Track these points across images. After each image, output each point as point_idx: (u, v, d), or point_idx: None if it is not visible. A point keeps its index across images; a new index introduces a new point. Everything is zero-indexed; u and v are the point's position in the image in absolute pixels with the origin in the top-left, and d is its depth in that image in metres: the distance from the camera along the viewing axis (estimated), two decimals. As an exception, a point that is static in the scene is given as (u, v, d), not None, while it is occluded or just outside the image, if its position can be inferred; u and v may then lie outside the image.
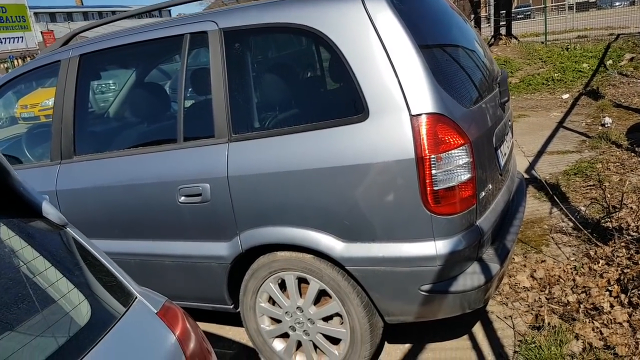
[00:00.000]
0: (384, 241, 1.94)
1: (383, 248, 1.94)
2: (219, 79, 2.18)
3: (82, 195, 2.62)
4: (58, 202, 2.68)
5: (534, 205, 3.89)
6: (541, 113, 7.19)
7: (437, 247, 1.87)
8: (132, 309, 1.09)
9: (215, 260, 2.31)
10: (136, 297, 1.14)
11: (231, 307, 2.46)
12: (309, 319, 2.25)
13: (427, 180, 1.81)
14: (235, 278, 2.36)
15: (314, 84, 2.83)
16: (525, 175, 4.46)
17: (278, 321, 2.36)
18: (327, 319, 2.24)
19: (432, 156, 1.81)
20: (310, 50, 2.66)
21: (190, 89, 2.49)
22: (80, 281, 1.06)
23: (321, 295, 2.22)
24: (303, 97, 2.33)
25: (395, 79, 1.85)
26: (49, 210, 1.15)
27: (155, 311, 1.13)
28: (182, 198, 2.27)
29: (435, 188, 1.82)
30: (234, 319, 2.66)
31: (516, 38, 13.41)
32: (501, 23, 13.43)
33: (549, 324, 2.40)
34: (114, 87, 8.43)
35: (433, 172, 1.81)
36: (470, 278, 1.98)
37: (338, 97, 2.30)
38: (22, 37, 31.12)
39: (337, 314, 2.19)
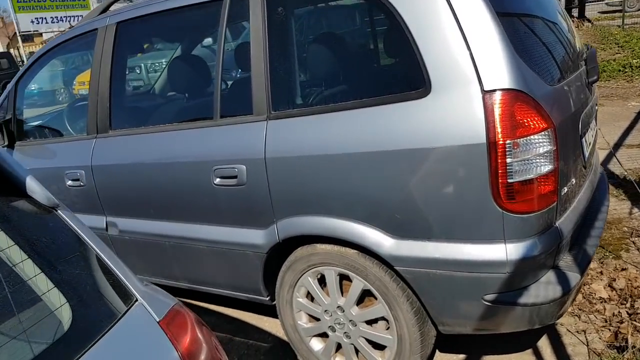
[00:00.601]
0: (442, 240, 1.66)
1: (441, 248, 1.66)
2: (259, 48, 1.94)
3: (116, 171, 2.48)
4: (93, 178, 2.56)
5: (612, 204, 3.45)
6: (617, 102, 6.53)
7: (507, 251, 1.56)
8: (128, 316, 0.87)
9: (251, 249, 2.10)
10: (136, 300, 0.93)
11: (267, 299, 2.25)
12: (350, 320, 2.00)
13: (500, 171, 1.50)
14: (272, 268, 2.15)
15: (365, 54, 2.53)
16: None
17: (317, 319, 2.12)
18: (371, 322, 1.98)
19: (508, 142, 1.49)
20: (363, 14, 2.37)
21: (228, 60, 2.27)
22: (64, 279, 0.85)
23: (365, 295, 1.96)
24: (353, 70, 2.05)
25: (465, 47, 1.54)
26: (34, 188, 0.95)
27: (158, 319, 0.91)
28: (217, 180, 2.06)
29: (510, 180, 1.51)
30: (272, 309, 2.46)
31: (589, 21, 12.41)
32: (573, 4, 12.46)
33: (633, 346, 2.04)
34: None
35: (508, 160, 1.50)
36: (544, 289, 1.66)
37: (394, 69, 2.01)
38: (82, 15, 32.14)
39: (383, 318, 1.93)
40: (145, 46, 4.05)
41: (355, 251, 1.85)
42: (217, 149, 2.06)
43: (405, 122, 1.63)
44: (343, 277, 1.98)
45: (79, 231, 0.97)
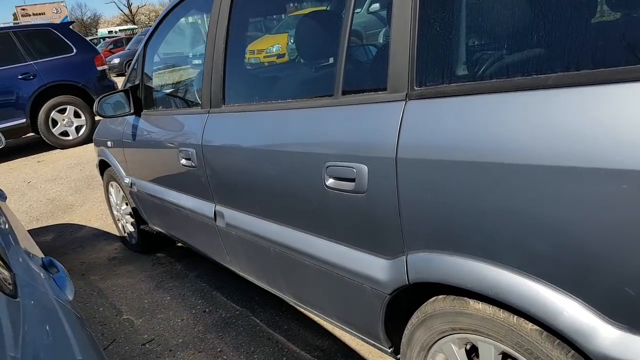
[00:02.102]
0: None
1: None
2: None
3: (224, 153, 2.04)
4: (203, 158, 2.16)
5: None
6: None
7: None
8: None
9: (368, 282, 1.47)
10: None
11: (389, 350, 1.62)
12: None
13: None
14: (398, 313, 1.50)
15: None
16: None
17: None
18: None
19: None
20: None
21: (359, 13, 1.61)
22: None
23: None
24: (555, 24, 1.24)
25: None
26: None
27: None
28: (330, 181, 1.47)
29: None
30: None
31: None
32: None
33: None
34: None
35: None
36: None
37: (626, 25, 1.15)
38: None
39: None
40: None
41: (537, 328, 1.10)
42: (332, 139, 1.45)
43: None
44: (506, 356, 1.25)
45: None
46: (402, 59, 1.26)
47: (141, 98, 2.85)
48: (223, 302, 2.71)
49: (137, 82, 2.88)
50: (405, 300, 1.46)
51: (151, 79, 2.92)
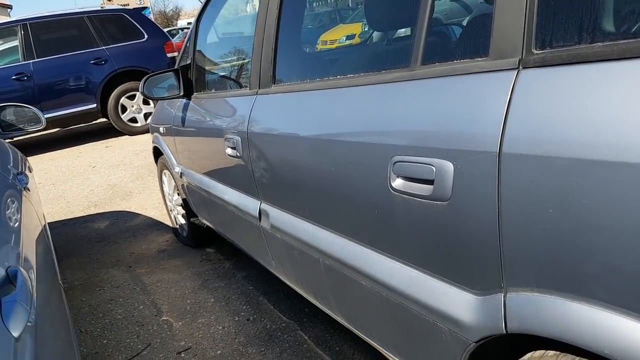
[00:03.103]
0: None
1: None
2: None
3: (269, 142, 1.72)
4: (248, 147, 1.85)
5: None
6: None
7: None
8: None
9: (446, 322, 1.08)
10: None
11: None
12: None
13: None
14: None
15: None
16: None
17: None
18: None
19: None
20: None
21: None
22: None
23: None
24: None
25: None
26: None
27: None
28: (398, 181, 1.09)
29: None
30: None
31: None
32: None
33: None
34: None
35: None
36: None
37: None
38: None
39: None
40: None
41: None
42: (402, 125, 1.07)
43: None
44: None
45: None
46: (516, 8, 0.86)
47: (192, 79, 2.60)
48: (269, 310, 2.41)
49: (188, 62, 2.63)
50: (497, 349, 1.06)
51: (203, 58, 2.65)
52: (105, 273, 3.09)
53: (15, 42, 6.64)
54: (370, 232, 1.27)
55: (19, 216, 1.39)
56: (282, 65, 1.76)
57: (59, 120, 6.86)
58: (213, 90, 2.47)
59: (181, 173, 2.91)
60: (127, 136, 7.30)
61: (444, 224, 1.01)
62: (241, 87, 2.17)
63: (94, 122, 7.71)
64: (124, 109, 7.16)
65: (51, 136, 8.27)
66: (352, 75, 1.37)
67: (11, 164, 1.98)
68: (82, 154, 6.58)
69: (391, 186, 1.11)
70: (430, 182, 1.00)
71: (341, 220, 1.39)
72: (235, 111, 2.05)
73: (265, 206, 1.88)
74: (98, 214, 4.25)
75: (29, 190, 1.89)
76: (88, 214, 4.27)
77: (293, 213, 1.67)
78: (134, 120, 7.28)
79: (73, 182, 5.29)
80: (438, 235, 1.04)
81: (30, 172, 2.49)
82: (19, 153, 2.49)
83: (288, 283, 2.01)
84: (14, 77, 6.45)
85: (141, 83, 2.52)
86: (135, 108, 7.22)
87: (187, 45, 2.68)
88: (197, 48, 2.59)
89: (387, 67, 1.21)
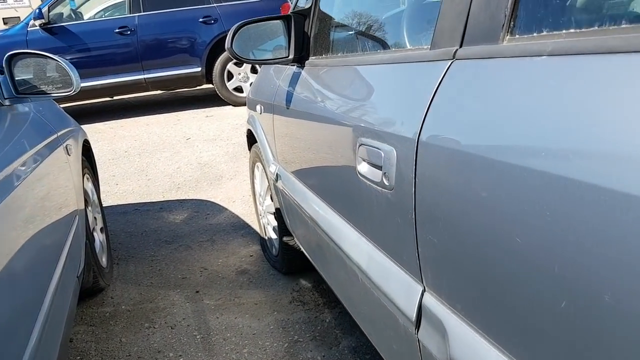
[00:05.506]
0: None
1: None
2: None
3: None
4: (415, 178, 0.82)
5: None
6: None
7: None
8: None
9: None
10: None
11: None
12: None
13: None
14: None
15: None
16: None
17: None
18: None
19: None
20: None
21: None
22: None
23: None
24: None
25: None
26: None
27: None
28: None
29: None
30: None
31: None
32: None
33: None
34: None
35: None
36: None
37: None
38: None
39: None
40: None
41: None
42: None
43: None
44: None
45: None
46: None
47: (310, 35, 1.61)
48: None
49: (309, 5, 1.64)
50: None
51: (332, 5, 1.64)
52: (163, 297, 2.28)
53: (124, -5, 6.16)
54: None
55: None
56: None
57: (160, 82, 6.33)
58: (343, 54, 1.45)
59: (277, 175, 1.97)
60: (230, 106, 6.61)
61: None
62: (410, 47, 1.12)
63: (198, 87, 7.13)
64: (230, 76, 6.44)
65: (154, 98, 7.86)
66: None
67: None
68: (180, 121, 5.98)
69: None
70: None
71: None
72: (392, 94, 1.01)
73: (433, 302, 0.84)
74: (178, 200, 3.50)
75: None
76: (167, 199, 3.55)
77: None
78: (239, 89, 6.55)
79: (161, 154, 4.65)
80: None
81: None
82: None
83: None
84: (117, 30, 5.97)
85: (229, 34, 1.57)
86: (242, 76, 6.48)
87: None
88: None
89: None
